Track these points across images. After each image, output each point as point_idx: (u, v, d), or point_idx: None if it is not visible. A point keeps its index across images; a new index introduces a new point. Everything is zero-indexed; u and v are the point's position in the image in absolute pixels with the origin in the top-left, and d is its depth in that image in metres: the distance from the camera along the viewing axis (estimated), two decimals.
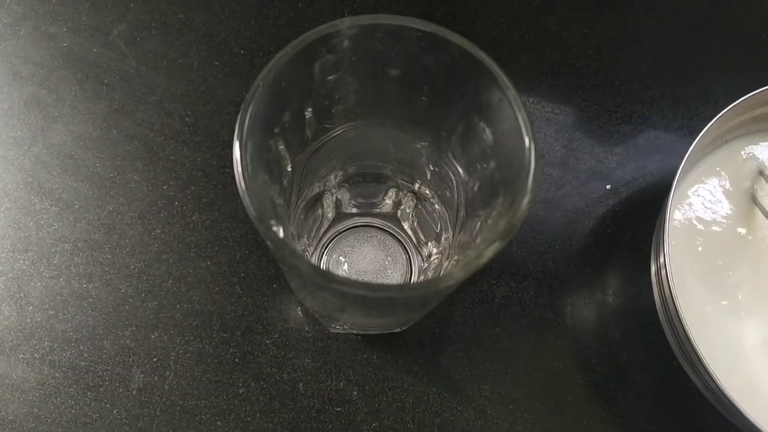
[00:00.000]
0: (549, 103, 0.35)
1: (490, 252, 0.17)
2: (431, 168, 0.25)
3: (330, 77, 0.21)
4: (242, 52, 0.34)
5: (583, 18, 0.37)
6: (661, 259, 0.28)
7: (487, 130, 0.19)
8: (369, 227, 0.30)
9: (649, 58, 0.36)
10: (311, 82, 0.21)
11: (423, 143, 0.24)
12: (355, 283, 0.17)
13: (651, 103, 0.35)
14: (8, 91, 0.33)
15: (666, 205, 0.28)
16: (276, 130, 0.20)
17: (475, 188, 0.21)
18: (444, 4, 0.36)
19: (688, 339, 0.26)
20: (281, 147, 0.22)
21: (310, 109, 0.22)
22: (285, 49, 0.19)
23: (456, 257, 0.25)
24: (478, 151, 0.20)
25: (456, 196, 0.24)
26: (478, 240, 0.18)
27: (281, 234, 0.23)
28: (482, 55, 0.19)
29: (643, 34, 0.36)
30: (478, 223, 0.20)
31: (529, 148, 0.16)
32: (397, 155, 0.27)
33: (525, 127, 0.17)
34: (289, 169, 0.23)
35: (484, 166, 0.20)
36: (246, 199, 0.17)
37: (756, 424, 0.24)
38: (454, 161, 0.23)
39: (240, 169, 0.18)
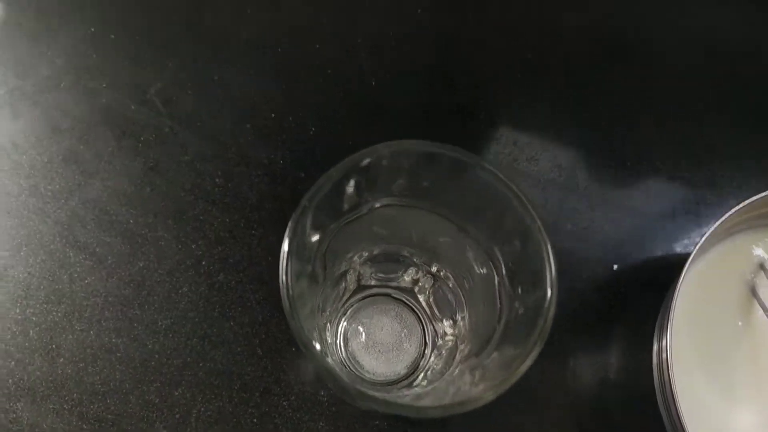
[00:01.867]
0: (563, 183, 0.36)
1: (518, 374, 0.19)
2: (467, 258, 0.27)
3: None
4: (273, 115, 0.36)
5: (604, 89, 0.38)
6: (664, 342, 0.29)
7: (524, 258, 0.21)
8: (387, 297, 0.32)
9: (659, 139, 0.38)
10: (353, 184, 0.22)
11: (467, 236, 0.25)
12: (386, 403, 0.18)
13: (661, 187, 0.37)
14: (48, 144, 0.34)
15: (674, 291, 0.29)
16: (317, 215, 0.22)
17: (520, 312, 0.22)
18: (467, 76, 0.38)
19: (680, 421, 0.27)
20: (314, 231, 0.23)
21: (352, 183, 0.23)
22: (329, 174, 0.20)
23: (470, 346, 0.27)
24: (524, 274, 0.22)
25: (498, 305, 0.25)
26: (504, 371, 0.20)
27: (308, 323, 0.25)
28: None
29: (660, 114, 0.38)
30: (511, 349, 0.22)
31: (549, 300, 0.18)
32: (419, 241, 0.28)
33: (549, 275, 0.18)
34: (318, 248, 0.25)
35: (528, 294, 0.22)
36: (284, 293, 0.19)
37: None
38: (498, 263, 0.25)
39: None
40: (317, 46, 0.37)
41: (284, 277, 0.20)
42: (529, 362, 0.20)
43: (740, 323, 0.32)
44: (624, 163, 0.37)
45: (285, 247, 0.20)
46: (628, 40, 0.39)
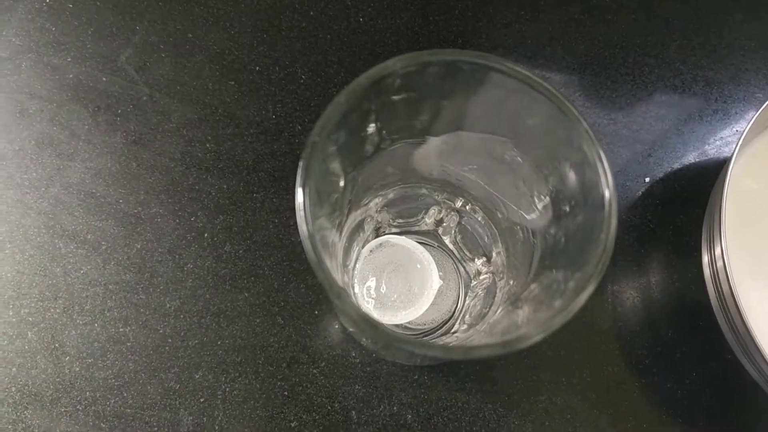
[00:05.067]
0: (579, 98, 0.33)
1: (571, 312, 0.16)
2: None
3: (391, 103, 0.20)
4: (257, 68, 0.33)
5: (605, 3, 0.35)
6: (717, 250, 0.27)
7: (571, 175, 0.18)
8: (410, 243, 0.29)
9: (676, 41, 0.35)
10: (369, 113, 0.19)
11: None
12: (421, 344, 0.16)
13: (683, 89, 0.34)
14: (17, 131, 0.31)
15: (721, 193, 0.27)
16: (332, 153, 0.19)
17: (561, 240, 0.20)
18: (462, 0, 0.35)
19: (747, 330, 0.25)
20: (336, 166, 0.21)
21: (372, 125, 0.20)
22: (336, 100, 0.18)
23: (512, 281, 0.24)
24: (562, 194, 0.19)
25: (529, 235, 0.23)
26: (557, 302, 0.18)
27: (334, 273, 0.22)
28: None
29: (668, 16, 0.35)
30: (560, 277, 0.19)
31: (610, 201, 0.16)
32: (440, 174, 0.25)
33: (605, 179, 0.16)
34: (342, 185, 0.22)
35: (569, 215, 0.19)
36: (308, 245, 0.16)
37: None
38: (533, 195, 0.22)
39: (304, 214, 0.17)
40: None
41: (305, 227, 0.17)
42: (590, 290, 0.17)
43: None
44: (641, 70, 0.34)
45: (299, 193, 0.17)
46: None
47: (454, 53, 0.19)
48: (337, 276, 0.24)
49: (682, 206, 0.32)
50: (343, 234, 0.25)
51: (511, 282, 0.24)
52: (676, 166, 0.33)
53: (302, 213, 0.17)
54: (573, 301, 0.17)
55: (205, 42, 0.33)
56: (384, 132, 0.21)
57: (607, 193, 0.17)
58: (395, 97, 0.19)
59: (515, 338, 0.17)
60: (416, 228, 0.29)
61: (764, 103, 0.28)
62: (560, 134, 0.19)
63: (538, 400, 0.29)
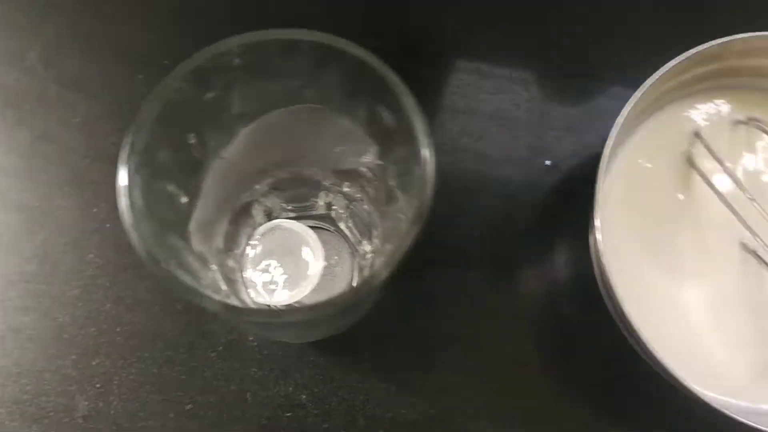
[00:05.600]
0: (485, 83, 0.34)
1: (406, 243, 0.17)
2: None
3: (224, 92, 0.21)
4: (165, 62, 0.34)
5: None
6: (597, 233, 0.28)
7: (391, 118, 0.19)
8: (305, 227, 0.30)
9: (579, 26, 0.36)
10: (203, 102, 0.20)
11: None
12: (265, 312, 0.17)
13: (586, 74, 0.35)
14: None
15: (597, 177, 0.28)
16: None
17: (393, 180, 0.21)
18: None
19: (623, 309, 0.26)
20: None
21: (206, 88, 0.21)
22: (171, 75, 0.18)
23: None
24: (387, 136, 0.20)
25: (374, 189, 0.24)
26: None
27: (192, 255, 0.23)
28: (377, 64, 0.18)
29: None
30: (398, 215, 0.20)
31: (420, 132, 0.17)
32: (319, 158, 0.26)
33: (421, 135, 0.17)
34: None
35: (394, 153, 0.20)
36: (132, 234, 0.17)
37: (693, 389, 0.25)
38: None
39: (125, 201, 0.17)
40: None
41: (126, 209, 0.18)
42: (419, 223, 0.18)
43: (681, 196, 0.31)
44: (547, 58, 0.35)
45: (121, 176, 0.18)
46: None
47: (292, 32, 0.19)
48: (213, 261, 0.24)
49: (581, 188, 0.33)
50: (222, 219, 0.25)
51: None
52: (578, 148, 0.33)
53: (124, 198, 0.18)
54: (410, 228, 0.17)
55: (114, 38, 0.34)
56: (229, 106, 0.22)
57: (417, 126, 0.18)
58: (209, 95, 0.20)
59: (362, 281, 0.18)
60: (312, 212, 0.30)
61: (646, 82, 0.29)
62: (391, 106, 0.19)
63: (432, 378, 0.30)
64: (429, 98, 0.35)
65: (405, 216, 0.20)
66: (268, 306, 0.27)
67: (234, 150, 0.23)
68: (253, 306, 0.26)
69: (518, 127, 0.34)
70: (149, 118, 0.18)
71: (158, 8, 0.35)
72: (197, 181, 0.22)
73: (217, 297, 0.18)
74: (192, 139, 0.21)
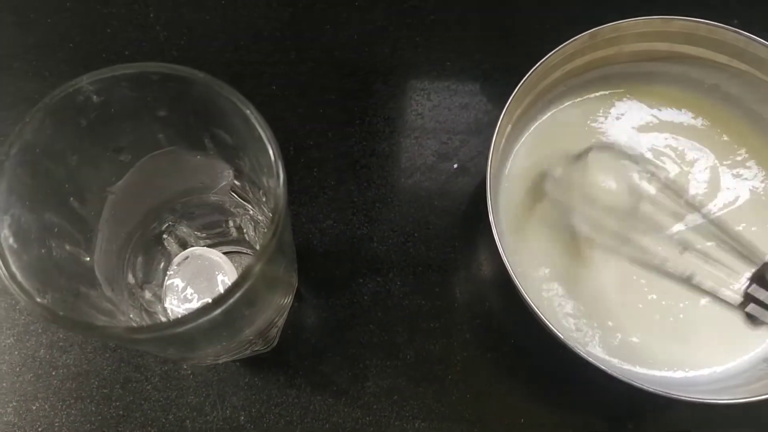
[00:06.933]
0: (387, 98, 0.36)
1: (270, 248, 0.18)
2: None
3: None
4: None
5: (404, 8, 0.38)
6: (494, 232, 0.29)
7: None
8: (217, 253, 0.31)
9: (472, 33, 0.37)
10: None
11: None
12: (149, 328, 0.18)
13: (485, 77, 0.36)
14: None
15: (486, 180, 0.29)
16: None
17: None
18: None
19: (524, 295, 0.27)
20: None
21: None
22: (25, 120, 0.19)
23: None
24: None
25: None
26: None
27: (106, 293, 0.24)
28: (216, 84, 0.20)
29: (462, 12, 0.38)
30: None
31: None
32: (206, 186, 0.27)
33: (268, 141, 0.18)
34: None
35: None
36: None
37: (579, 352, 0.26)
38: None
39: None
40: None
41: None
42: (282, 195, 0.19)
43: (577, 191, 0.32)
44: (444, 66, 0.36)
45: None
46: None
47: (138, 66, 0.20)
48: (122, 295, 0.25)
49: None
50: (130, 253, 0.26)
51: None
52: (483, 149, 0.35)
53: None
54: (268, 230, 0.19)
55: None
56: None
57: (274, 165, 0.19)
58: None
59: (240, 276, 0.18)
60: (228, 238, 0.31)
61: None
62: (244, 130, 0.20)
63: (365, 386, 0.31)
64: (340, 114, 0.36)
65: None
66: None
67: (122, 185, 0.24)
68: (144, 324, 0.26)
69: (424, 135, 0.35)
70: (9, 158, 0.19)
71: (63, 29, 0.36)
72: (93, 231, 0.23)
73: (100, 323, 0.19)
74: (67, 183, 0.21)
